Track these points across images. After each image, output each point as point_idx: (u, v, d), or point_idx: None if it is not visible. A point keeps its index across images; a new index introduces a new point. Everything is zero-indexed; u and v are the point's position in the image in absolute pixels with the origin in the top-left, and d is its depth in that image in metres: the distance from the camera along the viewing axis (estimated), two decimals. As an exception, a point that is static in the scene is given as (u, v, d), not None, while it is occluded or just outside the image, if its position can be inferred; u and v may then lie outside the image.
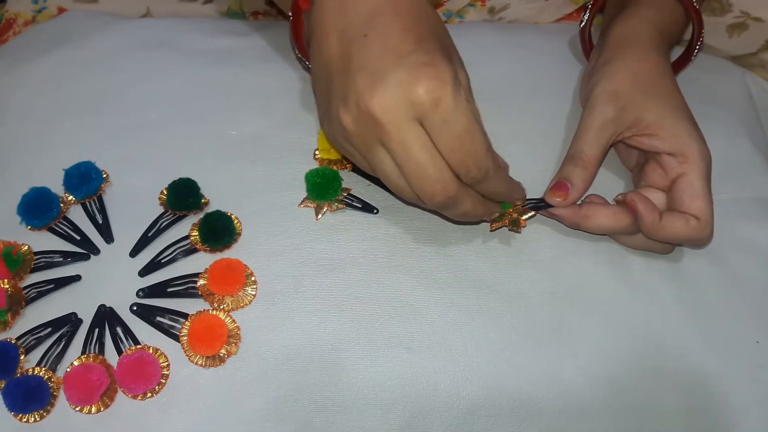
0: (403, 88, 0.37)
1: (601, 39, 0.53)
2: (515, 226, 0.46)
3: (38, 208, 0.46)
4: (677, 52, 0.55)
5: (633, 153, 0.50)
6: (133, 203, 0.48)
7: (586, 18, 0.55)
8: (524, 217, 0.46)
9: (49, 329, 0.43)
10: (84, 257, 0.46)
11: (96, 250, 0.46)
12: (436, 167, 0.39)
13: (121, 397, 0.42)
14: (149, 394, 0.42)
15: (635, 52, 0.49)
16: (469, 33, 0.59)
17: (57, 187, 0.48)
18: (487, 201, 0.43)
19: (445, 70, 0.37)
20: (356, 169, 0.49)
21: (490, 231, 0.47)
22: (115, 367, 0.42)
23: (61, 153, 0.50)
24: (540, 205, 0.47)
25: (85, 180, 0.47)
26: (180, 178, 0.47)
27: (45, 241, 0.46)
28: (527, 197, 0.46)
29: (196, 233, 0.46)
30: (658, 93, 0.47)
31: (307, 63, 0.48)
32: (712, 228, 0.45)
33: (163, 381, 0.42)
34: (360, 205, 0.48)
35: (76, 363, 0.42)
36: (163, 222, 0.47)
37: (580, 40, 0.56)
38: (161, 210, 0.47)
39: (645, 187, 0.47)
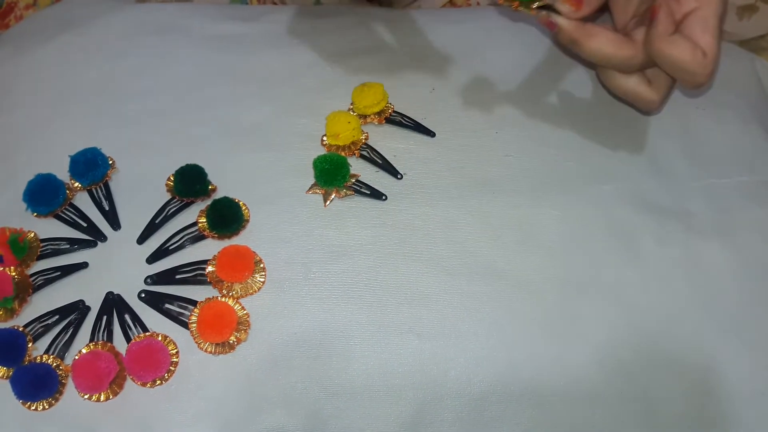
0: None
1: None
2: (526, 7, 0.45)
3: (44, 194, 0.46)
4: None
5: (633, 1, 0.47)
6: (140, 190, 0.47)
7: None
8: (534, 5, 0.44)
9: (57, 317, 0.43)
10: (91, 244, 0.46)
11: (103, 237, 0.46)
12: None
13: (130, 385, 0.42)
14: (158, 382, 0.41)
15: None
16: (475, 16, 0.58)
17: (63, 174, 0.47)
18: None
19: None
20: (364, 156, 0.49)
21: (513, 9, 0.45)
22: (123, 355, 0.42)
23: (67, 139, 0.49)
24: (548, 7, 0.45)
25: (91, 166, 0.47)
26: (187, 164, 0.47)
27: (51, 228, 0.46)
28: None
29: (204, 220, 0.46)
30: None
31: None
32: (713, 71, 0.43)
33: (173, 368, 0.42)
34: (368, 192, 0.47)
35: (84, 350, 0.42)
36: (170, 209, 0.47)
37: None
38: (168, 196, 0.47)
39: None
